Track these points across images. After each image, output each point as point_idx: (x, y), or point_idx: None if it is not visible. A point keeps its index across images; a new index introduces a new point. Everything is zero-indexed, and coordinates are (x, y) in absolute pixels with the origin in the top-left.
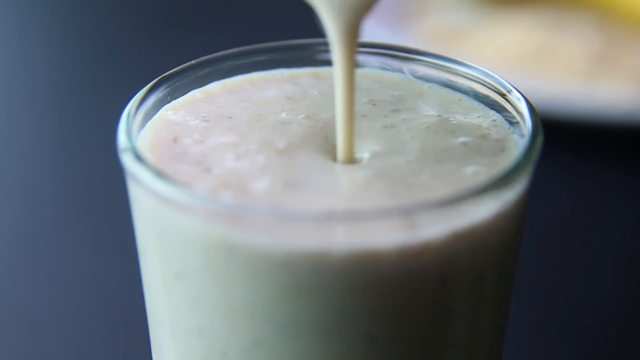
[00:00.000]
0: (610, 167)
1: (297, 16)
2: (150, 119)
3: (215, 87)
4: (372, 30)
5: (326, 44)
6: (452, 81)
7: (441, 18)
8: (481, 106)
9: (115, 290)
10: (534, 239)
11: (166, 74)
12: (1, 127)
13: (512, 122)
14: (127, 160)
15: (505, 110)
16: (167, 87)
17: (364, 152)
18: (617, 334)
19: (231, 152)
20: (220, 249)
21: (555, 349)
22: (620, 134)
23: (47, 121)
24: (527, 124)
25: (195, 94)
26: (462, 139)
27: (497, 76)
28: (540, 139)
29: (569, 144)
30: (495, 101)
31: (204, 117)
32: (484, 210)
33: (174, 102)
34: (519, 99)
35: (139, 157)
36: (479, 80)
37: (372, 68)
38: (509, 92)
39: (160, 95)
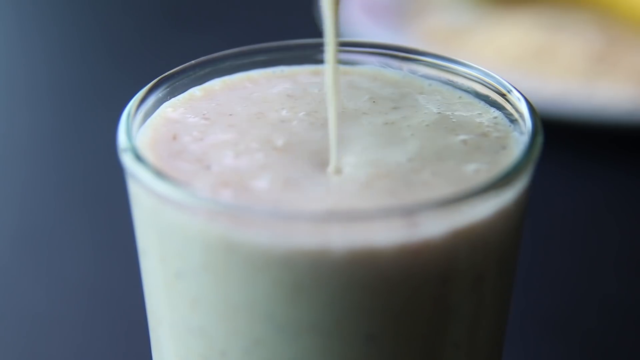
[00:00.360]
0: (610, 167)
1: (297, 16)
2: (149, 116)
3: (215, 84)
4: (372, 30)
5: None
6: (453, 81)
7: (441, 18)
8: (482, 104)
9: (115, 290)
10: (534, 238)
11: (166, 73)
12: (1, 127)
13: (512, 120)
14: (127, 160)
15: (506, 109)
16: (167, 87)
17: (364, 150)
18: (617, 333)
19: (231, 150)
20: (220, 248)
21: (555, 349)
22: (620, 133)
23: (47, 121)
24: (527, 123)
25: (195, 91)
26: (463, 137)
27: (497, 76)
28: (540, 139)
29: (569, 143)
30: (496, 101)
31: (203, 114)
32: (484, 209)
33: (173, 100)
34: (519, 99)
35: (138, 157)
36: (479, 80)
37: (372, 65)
38: (509, 92)
39: (160, 95)
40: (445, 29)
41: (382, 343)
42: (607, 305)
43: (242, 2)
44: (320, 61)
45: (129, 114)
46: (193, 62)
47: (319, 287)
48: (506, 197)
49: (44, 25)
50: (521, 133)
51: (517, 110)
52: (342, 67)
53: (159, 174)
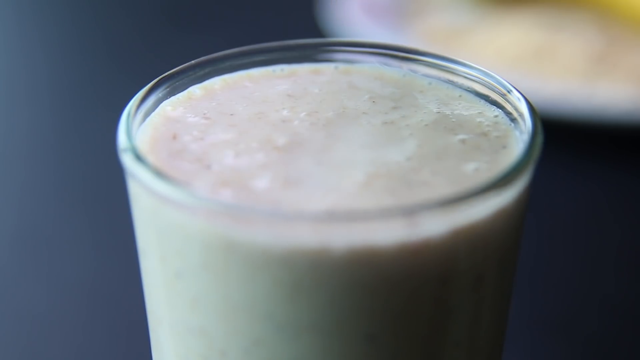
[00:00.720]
0: (610, 167)
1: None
2: (149, 116)
3: (214, 83)
4: (372, 30)
5: (326, 44)
6: (453, 81)
7: (441, 18)
8: (482, 103)
9: (115, 290)
10: (534, 238)
11: (166, 74)
12: (1, 127)
13: (512, 120)
14: (127, 160)
15: (506, 109)
16: (167, 87)
17: (363, 150)
18: (617, 333)
19: (231, 150)
20: (220, 248)
21: (555, 348)
22: (620, 133)
23: (47, 121)
24: (527, 123)
25: (195, 90)
26: (463, 136)
27: (497, 76)
28: (540, 139)
29: (569, 143)
30: (496, 100)
31: (204, 114)
32: (484, 209)
33: (173, 99)
34: (519, 99)
35: (138, 157)
36: (479, 80)
37: (372, 65)
38: (509, 92)
39: (160, 95)
40: (445, 29)
41: (382, 343)
42: (607, 305)
43: (242, 2)
44: (320, 60)
45: (129, 114)
46: (193, 62)
47: (319, 286)
48: (506, 196)
49: (44, 25)
50: (521, 132)
51: (517, 111)
52: (342, 67)
53: (159, 173)
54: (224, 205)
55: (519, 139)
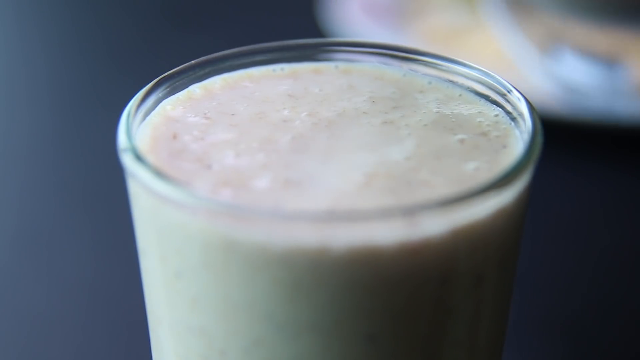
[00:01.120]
0: (610, 167)
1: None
2: (149, 115)
3: (215, 82)
4: (372, 30)
5: (326, 44)
6: (453, 81)
7: (441, 18)
8: (482, 102)
9: (115, 290)
10: (534, 238)
11: (166, 73)
12: (1, 127)
13: (512, 119)
14: (127, 160)
15: (506, 109)
16: (168, 87)
17: (363, 150)
18: (617, 333)
19: (232, 150)
20: (220, 247)
21: (555, 348)
22: (620, 133)
23: (47, 121)
24: (527, 123)
25: (195, 90)
26: (461, 136)
27: (497, 76)
28: (540, 139)
29: (569, 144)
30: (496, 100)
31: (205, 114)
32: (484, 208)
33: (172, 98)
34: (519, 98)
35: (138, 157)
36: (478, 80)
37: (372, 65)
38: (509, 92)
39: (160, 95)
40: (445, 29)
41: (382, 343)
42: (607, 305)
43: (242, 2)
44: (320, 60)
45: (129, 114)
46: (193, 62)
47: (319, 286)
48: (506, 196)
49: (44, 25)
50: (521, 132)
51: (517, 111)
52: (343, 67)
53: (159, 173)
54: (224, 205)
55: (519, 138)
